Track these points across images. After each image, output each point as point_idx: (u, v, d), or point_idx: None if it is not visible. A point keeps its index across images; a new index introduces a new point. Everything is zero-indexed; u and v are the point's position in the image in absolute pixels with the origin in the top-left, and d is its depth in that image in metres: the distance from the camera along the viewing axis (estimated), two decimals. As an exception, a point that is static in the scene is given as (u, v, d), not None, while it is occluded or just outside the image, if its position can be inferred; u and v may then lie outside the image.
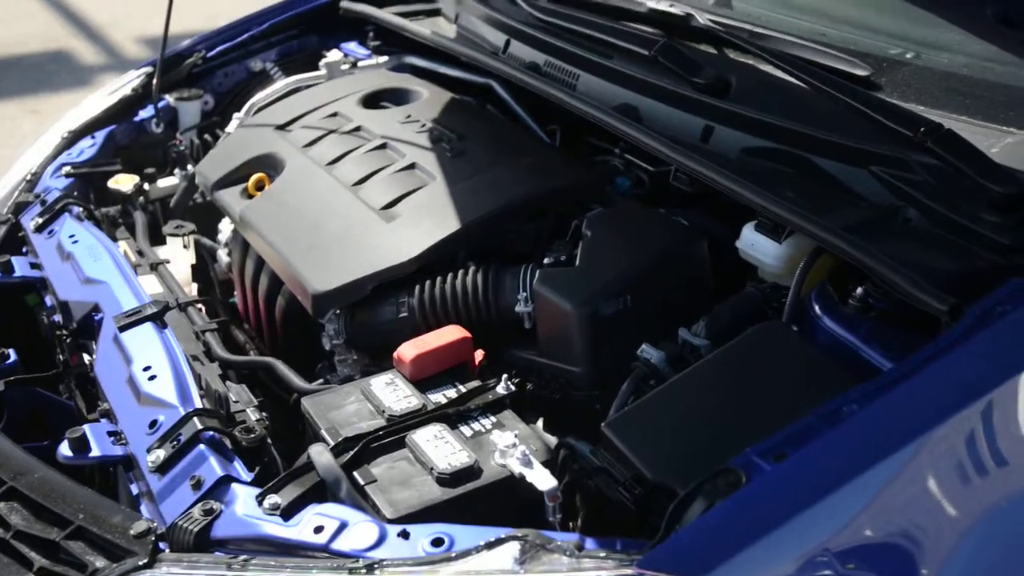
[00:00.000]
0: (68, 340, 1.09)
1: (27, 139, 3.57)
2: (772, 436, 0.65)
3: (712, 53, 1.18)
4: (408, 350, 0.90)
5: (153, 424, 0.87)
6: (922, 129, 0.85)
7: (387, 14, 1.57)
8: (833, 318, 0.85)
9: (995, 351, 0.68)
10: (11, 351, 1.09)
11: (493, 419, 0.84)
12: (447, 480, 0.75)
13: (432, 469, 0.76)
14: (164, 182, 1.45)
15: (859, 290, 0.85)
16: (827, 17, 1.25)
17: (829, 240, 0.82)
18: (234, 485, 0.77)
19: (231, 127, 1.49)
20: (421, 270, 1.03)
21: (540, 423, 0.91)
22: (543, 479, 0.74)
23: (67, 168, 1.38)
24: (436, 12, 1.63)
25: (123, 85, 1.55)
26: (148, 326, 1.00)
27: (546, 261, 1.00)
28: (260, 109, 1.48)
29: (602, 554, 0.62)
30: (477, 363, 0.95)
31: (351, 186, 1.16)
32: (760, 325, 0.88)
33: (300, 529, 0.70)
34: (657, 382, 0.87)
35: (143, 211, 1.37)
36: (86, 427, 0.89)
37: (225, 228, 1.34)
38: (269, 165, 1.26)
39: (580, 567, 0.61)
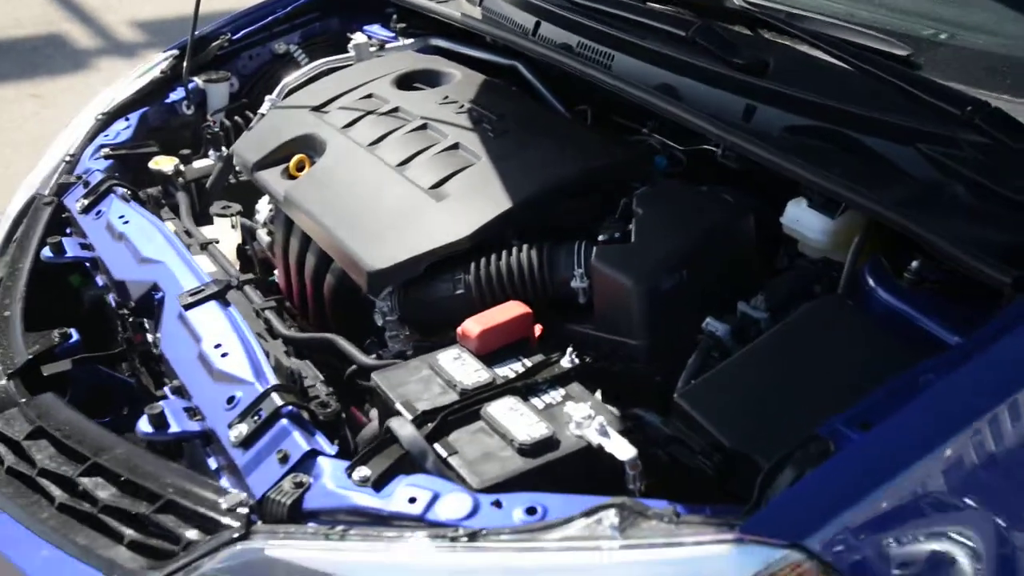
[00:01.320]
0: (131, 319, 1.11)
1: (30, 122, 3.55)
2: (855, 405, 0.67)
3: (748, 34, 1.20)
4: (473, 325, 0.91)
5: (231, 400, 0.88)
6: (969, 107, 0.88)
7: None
8: (888, 291, 0.88)
9: None
10: (73, 331, 1.10)
11: (562, 392, 0.86)
12: (528, 451, 0.77)
13: (512, 440, 0.78)
14: (199, 163, 1.45)
15: (914, 264, 0.88)
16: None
17: (889, 216, 0.85)
18: (320, 458, 0.79)
19: (264, 108, 1.49)
20: (472, 248, 1.05)
21: (599, 395, 0.93)
22: (623, 449, 0.76)
23: (105, 150, 1.39)
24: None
25: (152, 67, 1.57)
26: (212, 304, 1.02)
27: (601, 238, 1.02)
28: (293, 91, 1.49)
29: (699, 521, 0.64)
30: (536, 337, 0.98)
31: (396, 166, 1.17)
32: (820, 299, 0.92)
33: (393, 500, 0.72)
34: (721, 355, 0.90)
35: (185, 192, 1.38)
36: (163, 403, 0.91)
37: (263, 208, 1.34)
38: (309, 146, 1.27)
39: (679, 534, 0.63)
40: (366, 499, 0.73)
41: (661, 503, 0.67)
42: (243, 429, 0.83)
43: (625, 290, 0.96)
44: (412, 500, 0.71)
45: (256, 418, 0.83)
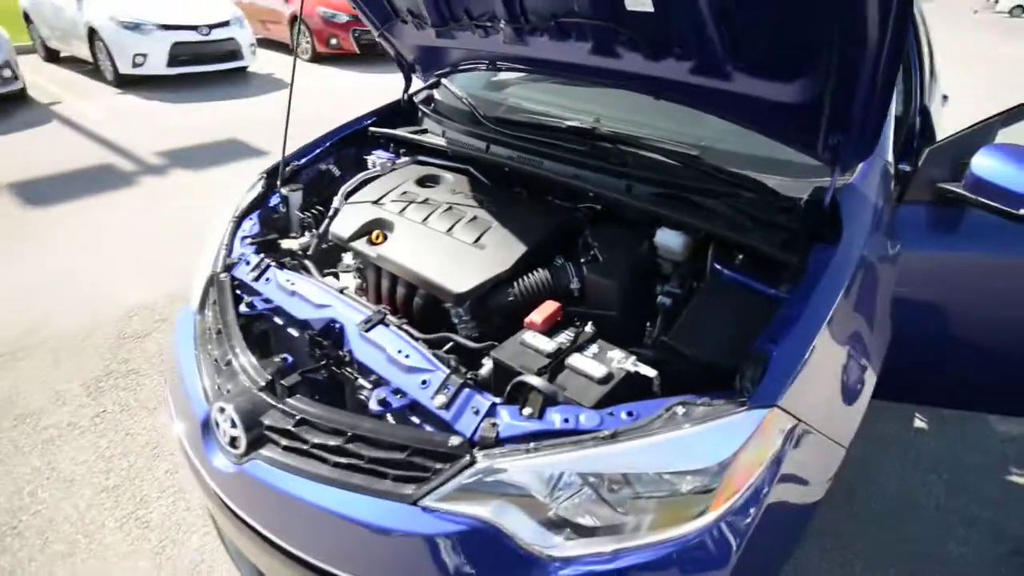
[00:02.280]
0: (326, 343, 1.53)
1: (102, 223, 4.17)
2: (764, 331, 1.26)
3: (610, 147, 1.92)
4: (537, 316, 1.45)
5: (424, 382, 1.32)
6: (736, 180, 1.65)
7: (403, 133, 2.34)
8: (730, 270, 1.56)
9: (828, 270, 1.40)
10: (287, 355, 1.53)
11: (596, 346, 1.38)
12: (602, 381, 1.27)
13: (591, 376, 1.28)
14: (302, 240, 2.00)
15: (740, 256, 1.58)
16: (653, 127, 2.00)
17: (726, 234, 1.58)
18: (498, 407, 1.25)
19: (336, 203, 2.08)
20: (511, 274, 1.64)
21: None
22: (648, 371, 1.29)
23: (248, 239, 1.93)
24: (425, 131, 2.37)
25: (254, 186, 2.15)
26: (381, 327, 1.50)
27: (583, 260, 1.68)
28: (350, 192, 2.11)
29: (723, 403, 1.16)
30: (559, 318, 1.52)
31: (445, 232, 1.77)
32: (710, 275, 1.57)
33: (552, 422, 1.19)
34: (668, 315, 1.54)
35: (309, 259, 1.93)
36: (379, 389, 1.36)
37: (347, 261, 1.96)
38: (379, 225, 1.86)
39: (724, 409, 1.15)
40: (535, 425, 1.19)
41: (695, 396, 1.19)
42: (441, 399, 1.27)
43: (607, 286, 1.60)
44: (565, 420, 1.19)
45: (447, 390, 1.29)
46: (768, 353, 1.21)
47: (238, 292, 1.78)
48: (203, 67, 8.10)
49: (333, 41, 9.57)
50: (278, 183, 2.12)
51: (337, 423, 1.33)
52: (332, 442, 1.31)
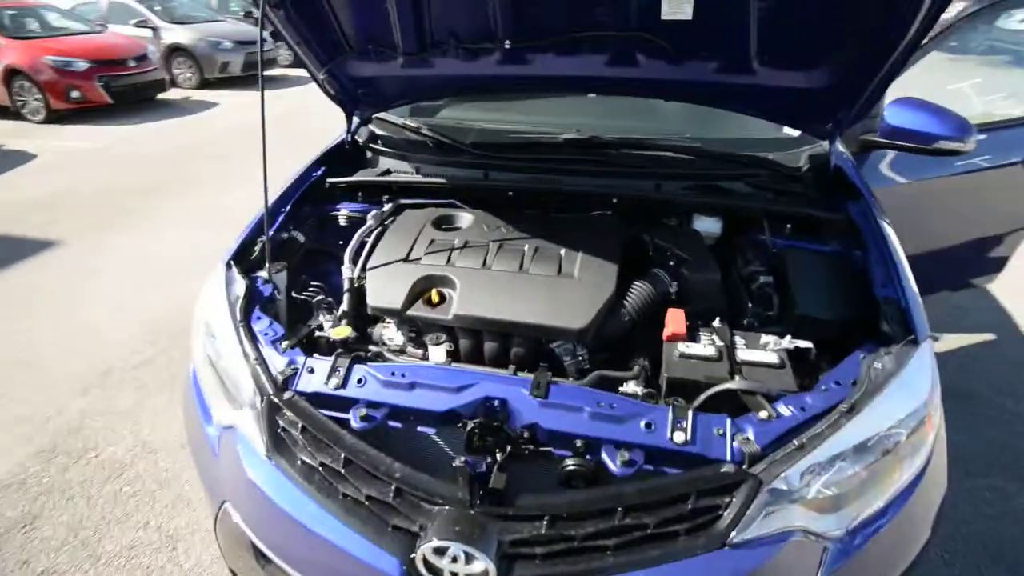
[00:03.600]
0: (496, 424, 1.27)
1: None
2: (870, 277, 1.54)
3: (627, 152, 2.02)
4: (678, 328, 1.46)
5: (648, 426, 1.20)
6: (751, 161, 1.86)
7: (372, 178, 2.10)
8: (789, 240, 1.80)
9: (870, 218, 1.69)
10: (465, 458, 1.23)
11: (740, 337, 1.46)
12: (781, 365, 1.35)
13: (771, 364, 1.35)
14: (339, 330, 1.61)
15: (788, 226, 1.81)
16: (634, 128, 2.15)
17: (773, 209, 1.80)
18: (737, 421, 1.20)
19: (348, 273, 1.77)
20: (616, 295, 1.55)
21: None
22: (806, 343, 1.42)
23: (280, 343, 1.50)
24: (388, 171, 2.17)
25: (234, 279, 1.70)
26: (558, 387, 1.31)
27: (671, 263, 1.68)
28: (355, 256, 1.82)
29: (900, 346, 1.31)
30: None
31: (519, 271, 1.61)
32: (781, 249, 1.77)
33: (792, 416, 1.20)
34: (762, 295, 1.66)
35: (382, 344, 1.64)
36: (603, 450, 1.20)
37: (391, 334, 1.64)
38: (432, 282, 1.63)
39: (904, 351, 1.30)
40: (784, 424, 1.19)
41: (865, 351, 1.34)
42: (681, 435, 1.18)
43: (711, 280, 1.64)
44: (801, 409, 1.20)
45: (680, 424, 1.20)
46: (896, 296, 1.40)
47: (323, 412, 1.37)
48: None
49: (75, 94, 8.25)
50: (267, 266, 1.74)
51: (595, 503, 1.15)
52: (603, 525, 1.13)
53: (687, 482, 1.15)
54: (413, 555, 1.13)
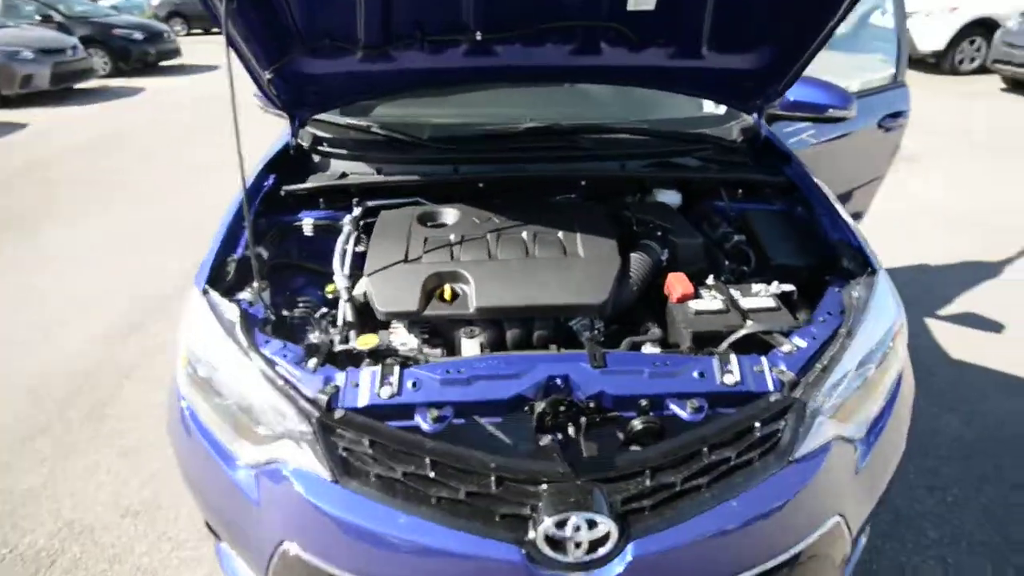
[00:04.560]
0: (567, 398, 1.31)
1: None
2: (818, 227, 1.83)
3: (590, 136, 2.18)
4: (685, 289, 1.60)
5: (701, 375, 1.33)
6: (698, 138, 2.16)
7: (333, 182, 2.03)
8: (743, 203, 2.04)
9: (806, 176, 2.01)
10: (551, 435, 1.30)
11: (734, 289, 1.64)
12: (778, 308, 1.54)
13: (771, 308, 1.54)
14: (364, 339, 1.52)
15: (739, 191, 2.05)
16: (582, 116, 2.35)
17: (727, 177, 2.06)
18: (768, 356, 1.37)
19: (342, 283, 1.70)
20: (623, 267, 1.66)
21: None
22: (789, 287, 1.62)
23: (308, 362, 1.41)
24: (345, 175, 2.10)
25: (224, 307, 1.56)
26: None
27: (658, 234, 1.84)
28: (353, 259, 1.79)
29: (863, 278, 1.58)
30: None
31: (527, 257, 1.68)
32: (742, 211, 2.01)
33: (809, 345, 1.40)
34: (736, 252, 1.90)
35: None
36: (672, 402, 1.29)
37: (403, 338, 1.58)
38: (442, 279, 1.63)
39: (868, 281, 1.56)
40: (808, 352, 1.38)
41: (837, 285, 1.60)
42: (731, 377, 1.33)
43: (697, 245, 1.81)
44: (813, 338, 1.41)
45: (726, 367, 1.34)
46: (847, 238, 1.67)
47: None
48: None
49: None
50: (255, 285, 1.62)
51: (686, 448, 1.26)
52: (696, 467, 1.25)
53: (752, 415, 1.30)
54: (531, 536, 1.17)
